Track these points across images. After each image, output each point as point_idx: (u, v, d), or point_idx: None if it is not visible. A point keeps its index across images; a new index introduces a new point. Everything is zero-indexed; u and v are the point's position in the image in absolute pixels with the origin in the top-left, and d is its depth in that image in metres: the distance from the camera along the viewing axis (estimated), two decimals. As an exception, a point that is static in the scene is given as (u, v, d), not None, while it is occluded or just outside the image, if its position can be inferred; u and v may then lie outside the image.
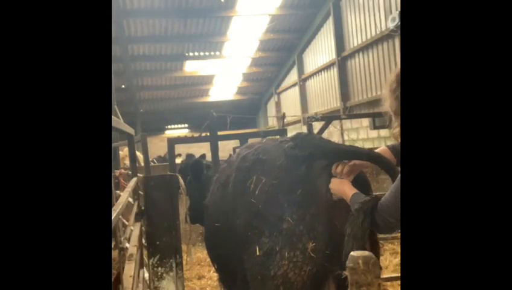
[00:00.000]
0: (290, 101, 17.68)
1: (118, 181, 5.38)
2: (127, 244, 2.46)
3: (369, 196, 1.89)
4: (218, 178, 2.67)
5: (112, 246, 2.06)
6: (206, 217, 2.81)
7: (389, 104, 1.89)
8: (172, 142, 5.24)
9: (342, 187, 1.99)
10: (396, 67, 1.92)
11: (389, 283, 3.83)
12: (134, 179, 3.12)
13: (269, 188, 2.08)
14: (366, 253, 1.52)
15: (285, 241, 1.98)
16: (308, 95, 15.96)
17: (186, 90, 19.73)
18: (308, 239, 1.97)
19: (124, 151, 8.07)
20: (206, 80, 18.93)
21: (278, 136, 5.67)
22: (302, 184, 2.04)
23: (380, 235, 3.53)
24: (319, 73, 14.74)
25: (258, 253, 2.05)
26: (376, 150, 2.17)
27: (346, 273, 1.53)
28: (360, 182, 2.12)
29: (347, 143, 11.52)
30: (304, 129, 12.85)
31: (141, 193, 2.83)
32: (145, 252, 2.90)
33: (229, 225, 2.32)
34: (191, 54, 15.99)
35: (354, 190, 1.96)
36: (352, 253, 1.53)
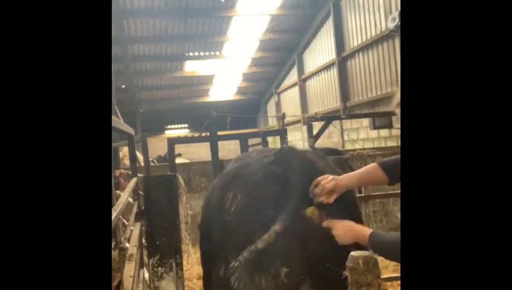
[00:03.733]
0: (290, 101, 17.67)
1: (118, 181, 5.37)
2: (127, 244, 2.46)
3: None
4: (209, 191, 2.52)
5: (112, 246, 2.06)
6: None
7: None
8: (172, 142, 5.24)
9: (353, 230, 1.77)
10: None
11: (389, 283, 3.83)
12: (134, 179, 3.13)
13: (242, 206, 1.94)
14: (366, 253, 1.52)
15: (255, 265, 1.78)
16: (308, 95, 15.95)
17: (186, 90, 19.72)
18: (281, 264, 1.76)
19: (123, 151, 8.06)
20: (206, 80, 18.93)
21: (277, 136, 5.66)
22: (276, 204, 1.84)
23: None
24: (319, 73, 14.73)
25: (222, 273, 1.90)
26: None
27: (346, 273, 1.53)
28: (346, 205, 1.95)
29: (347, 143, 11.54)
30: (304, 129, 12.85)
31: (141, 193, 2.83)
32: (145, 252, 2.90)
33: (208, 239, 2.22)
34: (191, 54, 15.98)
35: (368, 229, 1.74)
36: (352, 253, 1.53)
